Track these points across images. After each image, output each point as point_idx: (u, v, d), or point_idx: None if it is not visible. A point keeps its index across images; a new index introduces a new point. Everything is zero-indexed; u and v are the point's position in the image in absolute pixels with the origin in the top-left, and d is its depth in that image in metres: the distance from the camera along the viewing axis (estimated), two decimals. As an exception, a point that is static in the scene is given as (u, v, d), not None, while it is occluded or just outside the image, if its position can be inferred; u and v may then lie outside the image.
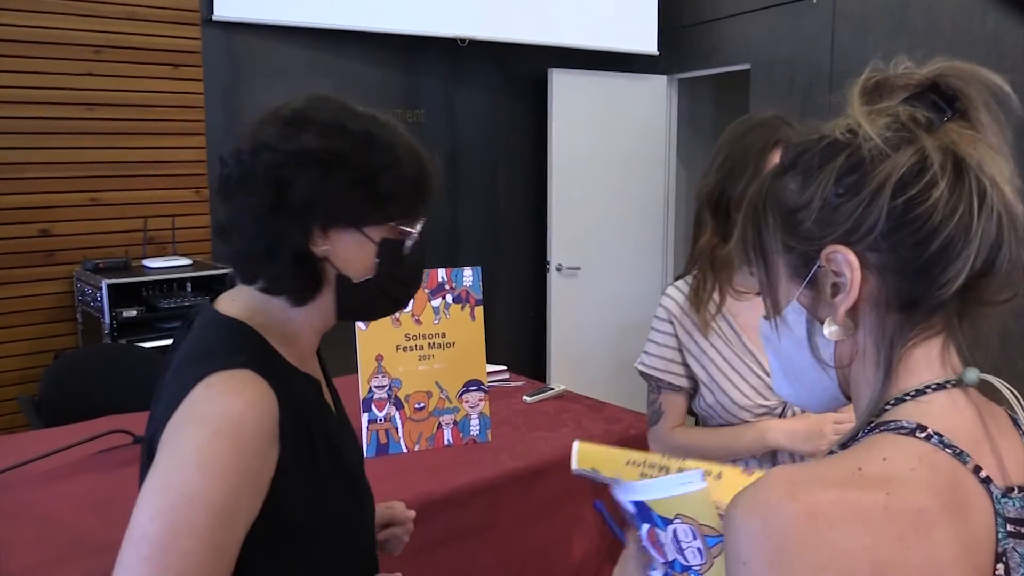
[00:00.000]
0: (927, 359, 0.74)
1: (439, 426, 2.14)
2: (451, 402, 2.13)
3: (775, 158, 1.52)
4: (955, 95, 0.73)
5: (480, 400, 2.17)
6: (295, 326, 1.11)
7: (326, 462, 1.09)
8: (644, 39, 5.25)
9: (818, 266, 0.75)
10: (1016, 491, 0.69)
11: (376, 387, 2.07)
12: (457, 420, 2.15)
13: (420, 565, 1.87)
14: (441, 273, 2.10)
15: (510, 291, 5.34)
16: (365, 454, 2.08)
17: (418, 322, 2.08)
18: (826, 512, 0.63)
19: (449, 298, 2.11)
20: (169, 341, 3.53)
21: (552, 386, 2.64)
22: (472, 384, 2.16)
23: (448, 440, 2.15)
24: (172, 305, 3.65)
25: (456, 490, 1.95)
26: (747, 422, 1.64)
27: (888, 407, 0.73)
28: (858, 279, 0.72)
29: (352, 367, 2.09)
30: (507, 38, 4.82)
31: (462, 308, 2.13)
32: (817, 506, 0.64)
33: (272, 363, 1.04)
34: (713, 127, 5.96)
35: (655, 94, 5.43)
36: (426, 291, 2.08)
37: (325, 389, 1.18)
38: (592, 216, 5.24)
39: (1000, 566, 0.67)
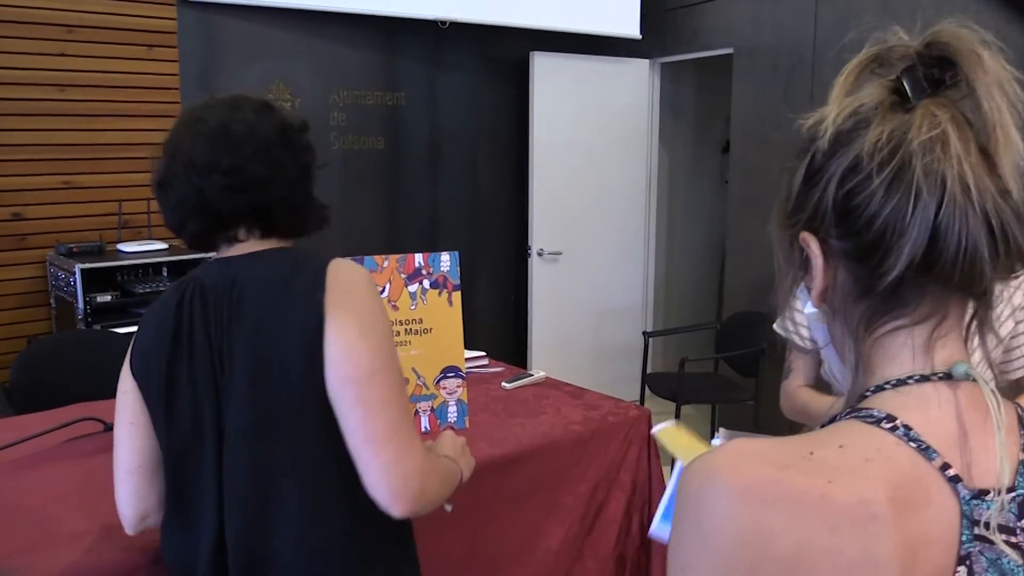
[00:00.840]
0: (910, 349, 0.72)
1: (416, 413, 2.11)
2: (428, 389, 2.11)
3: None
4: (947, 61, 0.71)
5: (458, 387, 2.14)
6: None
7: None
8: (627, 23, 5.22)
9: (801, 250, 0.77)
10: (995, 494, 0.66)
11: (352, 374, 2.04)
12: (434, 407, 2.12)
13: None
14: (418, 258, 2.07)
15: (491, 276, 5.31)
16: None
17: (395, 308, 2.05)
18: (761, 490, 0.64)
19: (426, 283, 2.08)
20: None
21: (531, 372, 2.62)
22: (449, 370, 2.13)
23: (425, 427, 2.12)
24: (147, 290, 3.60)
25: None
26: None
27: (868, 394, 0.73)
28: (820, 264, 0.74)
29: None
30: (489, 20, 4.77)
31: (439, 293, 2.10)
32: (754, 483, 0.65)
33: None
34: (695, 111, 5.95)
35: (637, 78, 5.40)
36: (403, 276, 2.05)
37: None
38: (574, 201, 5.21)
39: (962, 569, 0.65)
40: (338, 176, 4.68)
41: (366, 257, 2.01)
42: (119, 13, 3.85)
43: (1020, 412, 0.73)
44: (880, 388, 0.72)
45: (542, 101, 5.04)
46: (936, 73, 0.72)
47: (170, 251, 3.81)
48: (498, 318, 5.33)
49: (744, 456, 0.67)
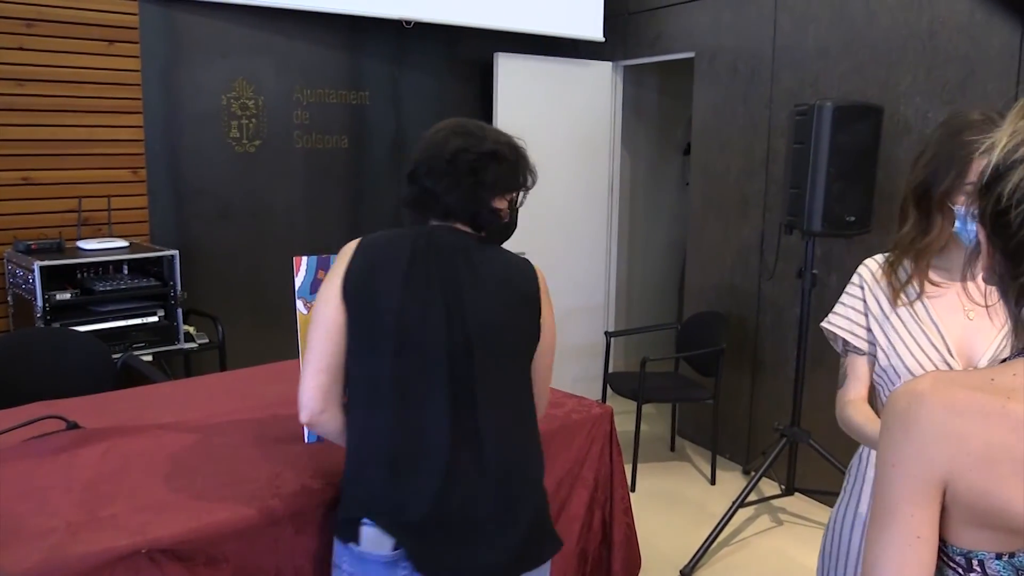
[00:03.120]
0: None
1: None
2: (394, 387, 2.12)
3: (979, 166, 1.61)
4: None
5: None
6: None
7: None
8: (590, 25, 5.27)
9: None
10: None
11: (318, 371, 2.05)
12: (400, 404, 2.14)
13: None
14: (384, 257, 2.08)
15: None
16: (306, 440, 2.08)
17: (360, 306, 2.06)
18: (957, 405, 0.89)
19: (392, 282, 2.09)
20: (105, 325, 3.43)
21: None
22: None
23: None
24: (108, 288, 3.57)
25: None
26: None
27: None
28: (987, 248, 0.96)
29: (290, 351, 2.06)
30: (453, 21, 4.79)
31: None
32: (952, 399, 0.90)
33: None
34: (658, 113, 6.02)
35: (600, 80, 5.45)
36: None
37: None
38: (536, 201, 5.19)
39: None
40: (302, 175, 4.67)
41: (332, 255, 2.02)
42: (79, 7, 3.81)
43: None
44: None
45: (506, 102, 5.07)
46: None
47: (131, 248, 3.78)
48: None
49: (942, 381, 0.92)
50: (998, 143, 0.93)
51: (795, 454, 4.08)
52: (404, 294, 1.68)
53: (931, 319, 1.72)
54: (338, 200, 4.85)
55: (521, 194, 1.90)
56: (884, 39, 3.84)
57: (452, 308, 1.69)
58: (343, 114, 4.78)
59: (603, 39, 5.31)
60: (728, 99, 4.68)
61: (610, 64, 5.45)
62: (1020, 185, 0.90)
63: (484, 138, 1.79)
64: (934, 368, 1.70)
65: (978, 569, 0.92)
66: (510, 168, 1.81)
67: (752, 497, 4.02)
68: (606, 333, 4.89)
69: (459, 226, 1.79)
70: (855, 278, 1.85)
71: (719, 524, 3.72)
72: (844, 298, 1.86)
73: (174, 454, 2.02)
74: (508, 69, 5.06)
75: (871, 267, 1.83)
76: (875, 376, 1.81)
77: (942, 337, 1.70)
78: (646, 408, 4.62)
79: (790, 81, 4.29)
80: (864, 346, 1.80)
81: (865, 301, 1.81)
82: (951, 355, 1.69)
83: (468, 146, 1.76)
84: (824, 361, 3.96)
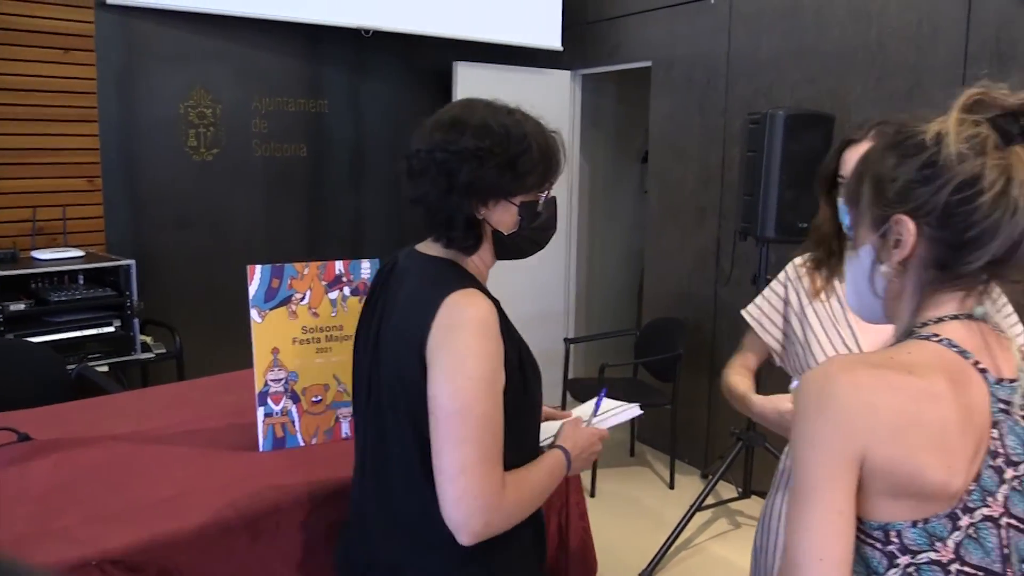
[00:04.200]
0: (950, 302, 1.05)
1: (337, 419, 2.14)
2: (348, 395, 2.13)
3: (849, 155, 1.75)
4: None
5: (378, 392, 2.17)
6: (475, 264, 1.55)
7: (520, 357, 1.50)
8: (548, 34, 5.32)
9: (888, 226, 1.04)
10: (1006, 381, 1.01)
11: (272, 380, 2.05)
12: (355, 413, 2.15)
13: (326, 553, 1.87)
14: (338, 265, 2.09)
15: (415, 283, 5.33)
16: (261, 448, 2.08)
17: (315, 315, 2.07)
18: (865, 381, 0.97)
19: (347, 291, 2.11)
20: (60, 335, 3.42)
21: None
22: (371, 377, 2.16)
23: (346, 433, 2.15)
24: (63, 298, 3.54)
25: (354, 482, 1.96)
26: None
27: (916, 328, 1.05)
28: (912, 242, 1.03)
29: (248, 361, 2.07)
30: (412, 30, 4.81)
31: (360, 300, 2.12)
32: (859, 377, 0.97)
33: (480, 287, 1.49)
34: (616, 122, 6.07)
35: (559, 89, 5.50)
36: (323, 283, 2.08)
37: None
38: (497, 209, 5.26)
39: (995, 431, 0.99)
40: (260, 183, 4.65)
41: (286, 264, 2.03)
42: (34, 15, 3.78)
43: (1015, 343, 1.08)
44: (925, 324, 1.04)
45: (465, 110, 5.09)
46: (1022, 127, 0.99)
47: (87, 258, 3.74)
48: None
49: (848, 362, 1.00)
50: (948, 131, 0.99)
51: (751, 458, 4.14)
52: (358, 331, 1.61)
53: (846, 318, 1.81)
54: (297, 209, 4.84)
55: (543, 200, 1.55)
56: (835, 50, 3.93)
57: (371, 349, 1.53)
58: (302, 123, 4.78)
59: (561, 48, 5.36)
60: (684, 108, 4.74)
61: (568, 73, 5.50)
62: (982, 173, 0.97)
63: (464, 131, 1.45)
64: None
65: (896, 540, 0.98)
66: (499, 162, 1.45)
67: (710, 500, 4.07)
68: (565, 340, 4.93)
69: (429, 242, 1.56)
70: (781, 274, 1.96)
71: (677, 528, 3.76)
72: (766, 291, 1.99)
73: (127, 465, 2.02)
74: (467, 78, 5.09)
75: (796, 263, 1.93)
76: (792, 372, 1.92)
77: (855, 337, 1.79)
78: (606, 414, 4.65)
79: (744, 90, 4.36)
80: (769, 339, 1.95)
81: (786, 296, 1.92)
82: (858, 351, 1.79)
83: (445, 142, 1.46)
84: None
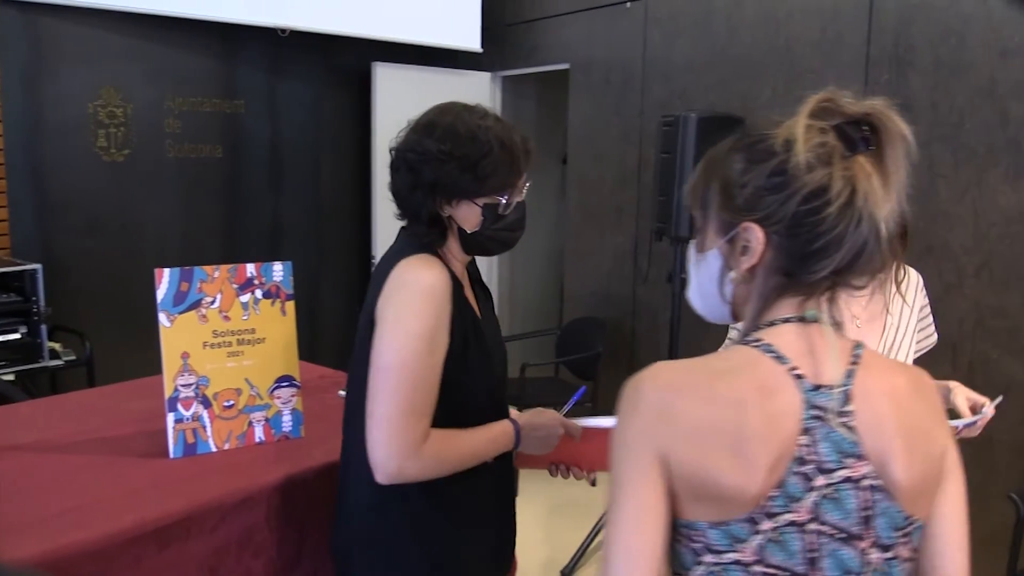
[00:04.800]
0: (789, 306, 1.05)
1: (250, 423, 2.11)
2: (262, 399, 2.11)
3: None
4: (876, 132, 1.00)
5: (292, 396, 2.15)
6: (446, 253, 1.67)
7: (472, 334, 1.65)
8: (468, 36, 5.33)
9: (736, 232, 1.04)
10: (825, 387, 1.00)
11: (182, 386, 2.01)
12: (268, 417, 2.12)
13: (239, 559, 1.84)
14: (250, 268, 2.07)
15: (335, 286, 5.29)
16: (171, 455, 2.04)
17: (226, 318, 2.04)
18: (673, 385, 1.00)
19: (259, 293, 2.08)
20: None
21: (369, 380, 2.65)
22: (284, 380, 2.14)
23: (260, 438, 2.12)
24: (-37, 304, 3.41)
25: (269, 486, 1.93)
26: None
27: (754, 330, 1.06)
28: (760, 250, 1.03)
29: (158, 367, 2.03)
30: (330, 30, 4.77)
31: (272, 303, 2.10)
32: (669, 381, 1.01)
33: (441, 259, 1.61)
34: (536, 123, 6.11)
35: (479, 90, 5.51)
36: (235, 286, 2.05)
37: (471, 297, 1.73)
38: (417, 210, 5.25)
39: (805, 438, 0.98)
40: (174, 185, 4.56)
41: (196, 267, 2.00)
42: (-71, 11, 3.64)
43: (853, 347, 1.06)
44: (761, 327, 1.05)
45: (384, 111, 5.07)
46: (868, 134, 1.00)
47: (-11, 263, 3.62)
48: (344, 329, 5.31)
49: (664, 367, 1.03)
50: (796, 138, 0.99)
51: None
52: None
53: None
54: (213, 211, 4.75)
55: (503, 200, 1.64)
56: (745, 54, 4.03)
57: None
58: (217, 123, 4.70)
59: (481, 50, 5.38)
60: (602, 110, 4.81)
61: (488, 75, 5.52)
62: (829, 184, 0.97)
63: (432, 133, 1.59)
64: None
65: (700, 539, 1.01)
66: (461, 165, 1.57)
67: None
68: (488, 340, 4.94)
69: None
70: None
71: (598, 524, 3.81)
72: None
73: (30, 475, 1.96)
74: (386, 78, 5.07)
75: None
76: None
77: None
78: (528, 413, 4.68)
79: (659, 93, 4.45)
80: None
81: None
82: None
83: (411, 143, 1.62)
84: (695, 362, 4.11)
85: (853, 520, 1.00)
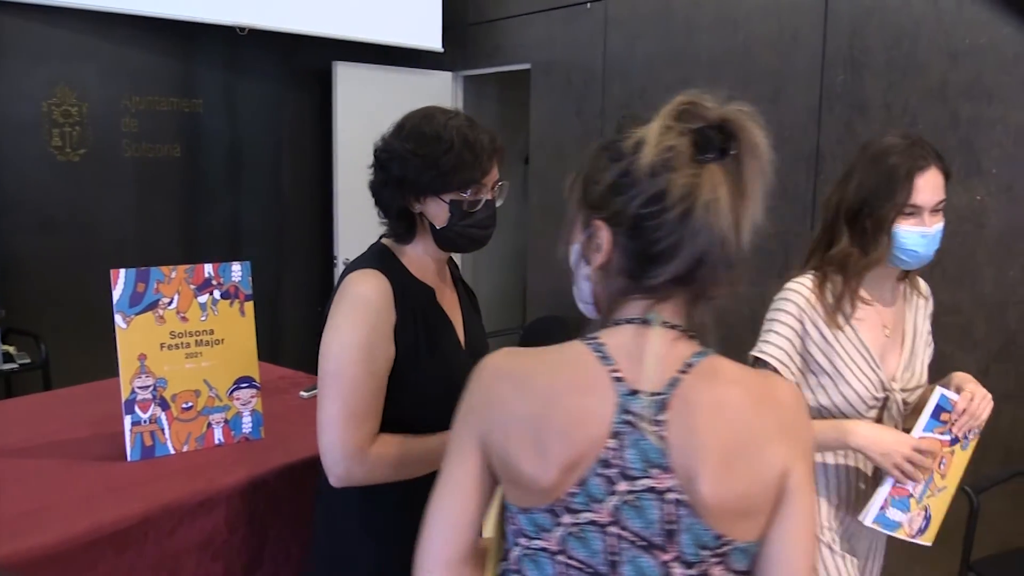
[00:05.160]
0: (638, 307, 1.04)
1: (209, 425, 2.09)
2: (221, 400, 2.09)
3: (920, 182, 1.73)
4: (733, 138, 0.98)
5: (252, 397, 2.14)
6: (417, 252, 1.74)
7: (424, 339, 1.67)
8: (429, 35, 5.32)
9: (591, 229, 1.04)
10: (644, 393, 0.99)
11: (139, 388, 1.99)
12: (228, 418, 2.11)
13: (199, 562, 1.83)
14: (208, 268, 2.05)
15: (297, 287, 5.26)
16: (129, 458, 2.02)
17: (184, 319, 2.02)
18: (501, 373, 1.05)
19: (217, 294, 2.06)
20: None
21: (330, 380, 2.64)
22: (243, 381, 2.12)
23: (219, 439, 2.11)
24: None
25: (228, 488, 1.92)
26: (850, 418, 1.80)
27: (601, 328, 1.06)
28: (608, 248, 1.03)
29: (115, 369, 2.00)
30: (289, 28, 4.73)
31: (231, 304, 2.09)
32: (499, 368, 1.06)
33: (394, 269, 1.66)
34: (498, 123, 6.12)
35: (441, 90, 5.51)
36: (192, 287, 2.03)
37: (448, 297, 1.80)
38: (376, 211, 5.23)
39: (613, 441, 0.98)
40: (131, 185, 4.50)
41: (152, 268, 1.98)
42: None
43: (691, 354, 1.03)
44: (609, 325, 1.05)
45: (345, 111, 5.05)
46: (723, 142, 0.97)
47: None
48: (306, 329, 5.28)
49: (504, 354, 1.07)
50: (647, 141, 0.97)
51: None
52: None
53: (861, 341, 1.79)
54: (171, 211, 4.70)
55: (468, 198, 1.67)
56: (704, 55, 4.07)
57: None
58: (175, 122, 4.64)
59: (442, 49, 5.37)
60: (563, 110, 4.83)
61: (450, 74, 5.52)
62: (668, 190, 0.96)
63: (401, 133, 1.69)
64: (877, 392, 1.80)
65: (514, 523, 1.06)
66: (425, 162, 1.63)
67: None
68: (450, 340, 4.93)
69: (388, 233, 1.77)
70: (786, 304, 1.83)
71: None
72: (776, 325, 1.83)
73: (-17, 480, 1.93)
74: (347, 78, 5.05)
75: (803, 292, 1.82)
76: (821, 406, 1.82)
77: (873, 359, 1.79)
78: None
79: (620, 92, 4.47)
80: (788, 376, 1.80)
81: (803, 327, 1.81)
82: (882, 371, 1.79)
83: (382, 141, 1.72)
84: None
85: (655, 531, 0.98)
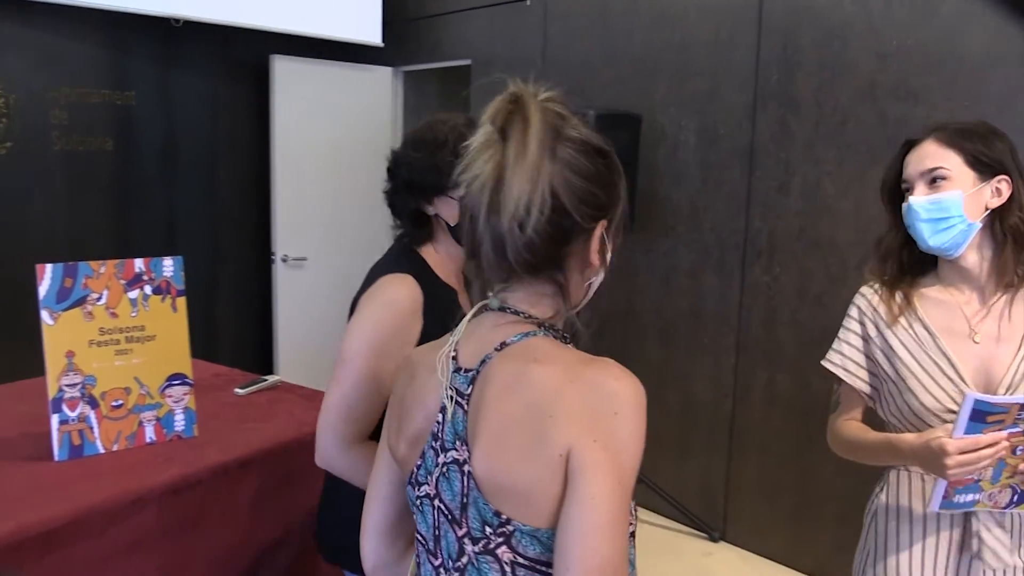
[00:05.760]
0: (494, 290, 1.08)
1: (140, 423, 2.05)
2: (153, 398, 2.05)
3: (911, 156, 1.64)
4: (506, 123, 0.99)
5: (185, 394, 2.10)
6: (440, 253, 1.78)
7: None
8: (369, 30, 5.27)
9: None
10: (464, 371, 1.05)
11: (67, 386, 1.95)
12: (160, 416, 2.07)
13: (130, 562, 1.80)
14: (138, 263, 2.01)
15: (234, 283, 5.18)
16: (56, 457, 1.97)
17: (113, 315, 1.98)
18: (406, 360, 1.20)
19: (148, 289, 2.03)
20: None
21: (265, 377, 2.61)
22: (175, 378, 2.09)
23: (151, 438, 2.07)
24: None
25: (160, 487, 1.89)
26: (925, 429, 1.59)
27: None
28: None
29: (42, 367, 1.95)
30: (225, 20, 4.65)
31: (162, 299, 2.05)
32: (407, 357, 1.21)
33: (423, 272, 1.71)
34: (439, 119, 6.10)
35: (381, 85, 5.47)
36: (122, 282, 1.99)
37: (465, 300, 1.77)
38: (318, 206, 5.20)
39: (440, 415, 1.05)
40: (61, 178, 4.38)
41: (80, 263, 1.94)
42: None
43: (514, 334, 1.03)
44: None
45: (283, 105, 4.99)
46: (502, 123, 1.00)
47: None
48: (243, 326, 5.20)
49: (427, 344, 1.17)
50: (484, 118, 1.04)
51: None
52: None
53: (938, 346, 1.62)
54: (103, 206, 4.58)
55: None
56: (641, 52, 4.11)
57: None
58: (107, 115, 4.53)
59: (382, 44, 5.33)
60: (503, 106, 4.83)
61: (390, 69, 5.49)
62: (464, 171, 1.02)
63: (407, 141, 1.76)
64: (954, 405, 1.57)
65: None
66: (425, 162, 1.69)
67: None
68: (391, 336, 4.90)
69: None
70: (852, 309, 1.75)
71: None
72: (841, 332, 1.76)
73: (-98, 482, 1.86)
74: (285, 72, 4.99)
75: (866, 294, 1.73)
76: (888, 418, 1.72)
77: (953, 365, 1.60)
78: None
79: (559, 89, 4.49)
80: (859, 384, 1.73)
81: (865, 332, 1.72)
82: (966, 384, 1.58)
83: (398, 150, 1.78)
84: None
85: (456, 504, 1.00)
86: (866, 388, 1.73)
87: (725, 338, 3.86)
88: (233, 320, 5.13)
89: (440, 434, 1.03)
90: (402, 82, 5.61)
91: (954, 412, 1.54)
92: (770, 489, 3.78)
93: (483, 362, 1.02)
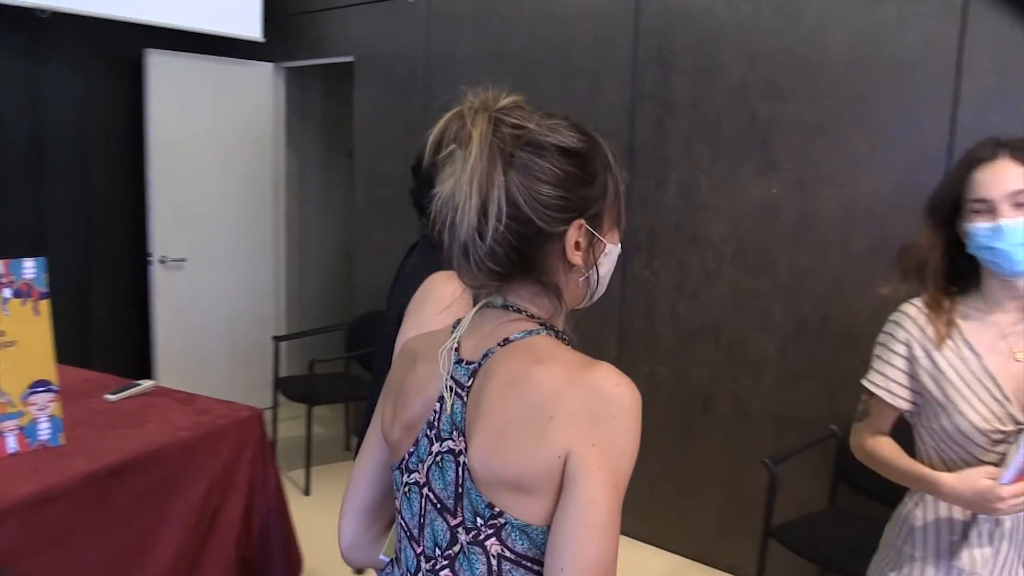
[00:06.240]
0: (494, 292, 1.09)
1: (1, 433, 1.97)
2: (14, 406, 1.97)
3: (980, 178, 1.56)
4: (457, 139, 1.02)
5: (50, 402, 2.02)
6: None
7: None
8: (248, 24, 5.15)
9: None
10: (465, 363, 1.06)
11: (-82, 396, 1.85)
12: (22, 425, 1.99)
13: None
14: (-4, 267, 1.92)
15: (109, 286, 4.99)
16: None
17: (-31, 321, 1.89)
18: (402, 348, 1.20)
19: (7, 292, 1.94)
20: None
21: (139, 382, 2.54)
22: (39, 385, 2.01)
23: (13, 448, 1.98)
24: None
25: (23, 500, 1.81)
26: (973, 450, 1.60)
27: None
28: None
29: None
30: (96, 12, 4.46)
31: (23, 303, 1.97)
32: (403, 345, 1.21)
33: None
34: (323, 116, 6.03)
35: (261, 81, 5.37)
36: (-22, 287, 1.90)
37: None
38: (197, 206, 5.06)
39: (438, 404, 1.06)
40: (-85, 178, 4.14)
41: (-69, 267, 1.84)
42: None
43: (518, 331, 1.05)
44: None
45: (159, 101, 4.84)
46: (459, 143, 1.01)
47: None
48: (119, 330, 5.02)
49: (421, 335, 1.20)
50: (433, 133, 1.08)
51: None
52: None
53: (982, 366, 1.61)
54: (-36, 206, 4.35)
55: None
56: (524, 52, 4.16)
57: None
58: (-34, 111, 4.30)
59: (262, 39, 5.21)
60: (387, 103, 4.81)
61: (271, 65, 5.38)
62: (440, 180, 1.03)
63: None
64: (1001, 425, 1.58)
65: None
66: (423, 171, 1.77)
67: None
68: (273, 337, 4.82)
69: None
70: (896, 329, 1.71)
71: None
72: (882, 351, 1.73)
73: None
74: (161, 67, 4.84)
75: (911, 314, 1.69)
76: (932, 435, 1.69)
77: (998, 386, 1.59)
78: (319, 410, 4.63)
79: (443, 87, 4.50)
80: (900, 404, 1.71)
81: (911, 353, 1.68)
82: (1011, 403, 1.58)
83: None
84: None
85: (449, 493, 1.02)
86: (908, 407, 1.71)
87: (608, 331, 3.95)
88: (108, 324, 4.94)
89: (436, 423, 1.05)
90: (284, 78, 5.51)
91: (999, 432, 1.57)
92: (652, 477, 3.88)
93: (485, 356, 1.04)
